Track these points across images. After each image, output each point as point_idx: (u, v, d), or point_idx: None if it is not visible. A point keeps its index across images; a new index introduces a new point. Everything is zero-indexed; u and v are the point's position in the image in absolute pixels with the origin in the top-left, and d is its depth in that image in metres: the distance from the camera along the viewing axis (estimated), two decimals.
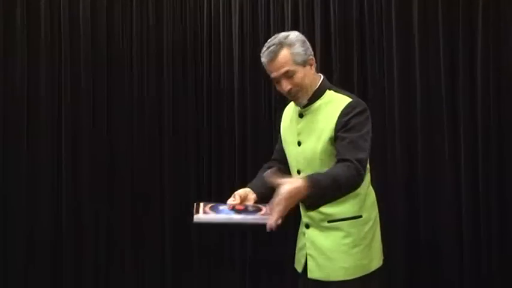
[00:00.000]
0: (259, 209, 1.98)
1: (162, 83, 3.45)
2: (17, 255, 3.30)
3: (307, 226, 2.21)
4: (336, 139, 2.07)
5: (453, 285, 2.85)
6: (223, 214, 1.92)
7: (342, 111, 2.08)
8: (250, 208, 1.99)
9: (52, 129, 3.38)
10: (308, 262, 2.20)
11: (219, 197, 3.31)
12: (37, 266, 3.32)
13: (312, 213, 2.17)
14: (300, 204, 2.18)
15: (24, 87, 3.36)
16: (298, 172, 2.23)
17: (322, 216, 2.14)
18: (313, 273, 2.17)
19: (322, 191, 1.90)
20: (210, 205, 1.98)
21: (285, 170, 2.30)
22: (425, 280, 2.92)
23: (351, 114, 2.06)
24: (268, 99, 3.27)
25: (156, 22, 3.46)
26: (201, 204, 1.98)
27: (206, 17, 3.41)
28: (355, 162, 1.97)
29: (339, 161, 2.02)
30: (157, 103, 3.45)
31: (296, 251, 2.34)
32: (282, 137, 2.35)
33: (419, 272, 2.93)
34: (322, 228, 2.15)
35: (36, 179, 3.35)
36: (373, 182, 2.26)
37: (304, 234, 2.24)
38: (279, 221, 1.81)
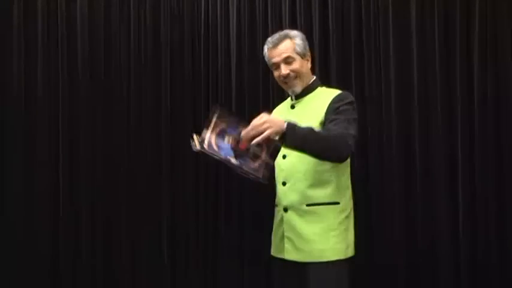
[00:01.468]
0: (259, 156, 2.05)
1: (160, 82, 3.43)
2: (16, 255, 3.30)
3: (286, 210, 2.32)
4: (325, 121, 2.23)
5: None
6: (223, 152, 2.02)
7: (333, 99, 2.28)
8: (250, 152, 2.05)
9: (49, 128, 3.37)
10: (285, 244, 2.31)
11: (217, 196, 3.35)
12: (35, 267, 3.32)
13: (292, 196, 2.28)
14: (281, 187, 2.33)
15: (22, 87, 3.36)
16: (284, 157, 2.33)
17: (302, 199, 2.26)
18: (291, 254, 2.29)
19: (300, 133, 2.03)
20: (218, 129, 2.06)
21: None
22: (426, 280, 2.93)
23: (341, 103, 2.25)
24: (266, 97, 3.26)
25: (153, 20, 3.44)
26: (212, 123, 2.07)
27: (204, 13, 3.40)
28: (344, 133, 2.13)
29: None
30: (155, 101, 3.43)
31: (273, 239, 2.46)
32: None
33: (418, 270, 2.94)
34: (300, 212, 2.27)
35: (34, 179, 3.34)
36: (354, 178, 2.38)
37: (282, 218, 2.34)
38: (254, 141, 1.97)
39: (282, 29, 3.08)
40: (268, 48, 2.39)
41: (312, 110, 2.31)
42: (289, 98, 2.51)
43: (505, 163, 2.78)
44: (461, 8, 2.83)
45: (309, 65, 2.41)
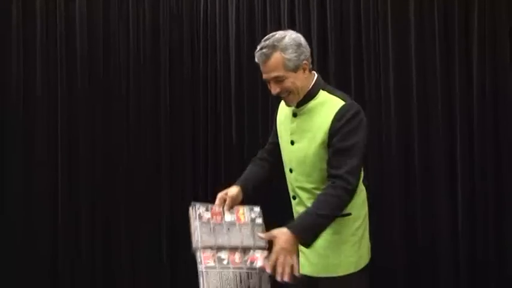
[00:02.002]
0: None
1: (159, 81, 3.43)
2: (16, 255, 3.31)
3: None
4: (329, 146, 2.06)
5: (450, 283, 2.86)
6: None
7: (335, 116, 2.05)
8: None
9: (49, 127, 3.37)
10: (300, 258, 2.19)
11: (216, 195, 3.34)
12: (35, 267, 3.32)
13: (302, 210, 2.15)
14: (292, 200, 2.26)
15: (21, 86, 3.37)
16: (291, 171, 2.24)
17: None
18: (304, 268, 2.19)
19: (312, 230, 1.92)
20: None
21: (275, 165, 2.35)
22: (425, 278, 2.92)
23: (345, 119, 2.03)
24: (265, 95, 3.24)
25: (152, 19, 3.44)
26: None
27: (203, 13, 3.40)
28: (345, 175, 1.97)
29: (329, 176, 2.03)
30: (154, 100, 3.43)
31: None
32: (278, 131, 2.35)
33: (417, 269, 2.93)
34: None
35: (33, 179, 3.35)
36: (365, 181, 2.26)
37: None
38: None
39: (280, 28, 3.05)
40: (257, 61, 2.10)
41: (313, 126, 2.11)
42: None
43: (504, 160, 2.78)
44: (460, 4, 2.83)
45: (306, 73, 2.11)
